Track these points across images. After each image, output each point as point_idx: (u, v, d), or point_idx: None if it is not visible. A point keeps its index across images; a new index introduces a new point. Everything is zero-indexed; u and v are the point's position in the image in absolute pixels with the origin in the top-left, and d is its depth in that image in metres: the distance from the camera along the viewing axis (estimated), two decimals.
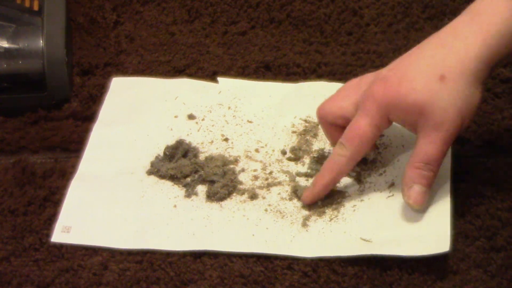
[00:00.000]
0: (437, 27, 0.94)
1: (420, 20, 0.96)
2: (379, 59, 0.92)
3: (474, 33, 0.70)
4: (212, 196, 0.78)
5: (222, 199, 0.78)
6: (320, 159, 0.81)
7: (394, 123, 0.74)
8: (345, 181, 0.78)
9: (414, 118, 0.71)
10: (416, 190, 0.72)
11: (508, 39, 0.70)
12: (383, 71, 0.74)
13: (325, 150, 0.82)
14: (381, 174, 0.78)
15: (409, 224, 0.73)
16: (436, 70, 0.70)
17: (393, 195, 0.76)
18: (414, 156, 0.72)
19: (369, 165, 0.80)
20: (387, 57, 0.92)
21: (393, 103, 0.72)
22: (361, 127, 0.73)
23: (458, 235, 0.73)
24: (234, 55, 0.95)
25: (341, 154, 0.74)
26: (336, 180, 0.76)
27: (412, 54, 0.73)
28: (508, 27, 0.70)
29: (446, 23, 0.96)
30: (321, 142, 0.83)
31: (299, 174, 0.80)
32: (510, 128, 0.82)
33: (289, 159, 0.82)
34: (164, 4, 1.02)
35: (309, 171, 0.80)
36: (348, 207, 0.76)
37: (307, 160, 0.82)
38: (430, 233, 0.71)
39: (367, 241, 0.72)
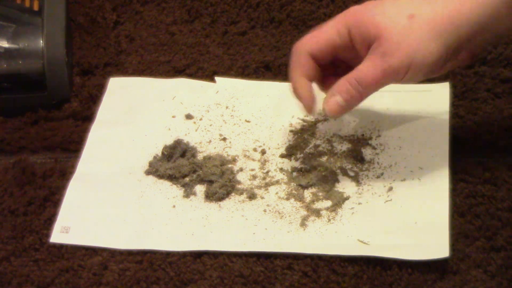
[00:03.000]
0: None
1: None
2: None
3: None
4: (211, 196, 0.78)
5: (220, 199, 0.78)
6: (314, 154, 0.81)
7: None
8: (344, 182, 0.78)
9: (369, 38, 0.71)
10: (337, 100, 0.73)
11: (485, 13, 0.70)
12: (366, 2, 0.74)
13: (319, 147, 0.82)
14: (378, 177, 0.78)
15: (407, 230, 0.73)
16: (410, 10, 0.71)
17: (391, 199, 0.76)
18: (351, 72, 0.72)
19: (367, 166, 0.80)
20: None
21: (360, 17, 0.72)
22: (324, 26, 0.75)
23: (458, 235, 0.73)
24: (234, 55, 0.95)
25: (297, 47, 0.76)
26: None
27: None
28: (480, 11, 0.70)
29: None
30: (319, 141, 0.83)
31: (294, 170, 0.80)
32: (510, 128, 0.82)
33: (282, 155, 0.82)
34: (164, 4, 1.02)
35: (303, 166, 0.80)
36: (346, 209, 0.76)
37: (300, 155, 0.82)
38: (429, 238, 0.71)
39: (365, 243, 0.72)
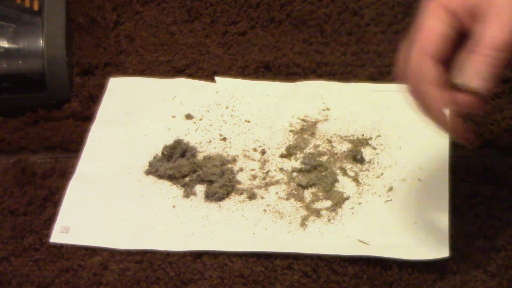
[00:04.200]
0: None
1: None
2: (379, 59, 0.92)
3: None
4: (211, 196, 0.78)
5: (220, 199, 0.78)
6: (314, 154, 0.81)
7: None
8: (344, 182, 0.78)
9: (480, 8, 0.62)
10: (483, 75, 0.62)
11: None
12: None
13: (319, 147, 0.82)
14: (378, 177, 0.78)
15: (407, 230, 0.73)
16: None
17: (391, 199, 0.76)
18: (480, 44, 0.62)
19: (367, 166, 0.80)
20: (387, 57, 0.92)
21: None
22: (428, 24, 0.64)
23: (458, 235, 0.73)
24: (234, 55, 0.95)
25: (415, 56, 0.65)
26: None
27: None
28: None
29: None
30: (319, 141, 0.83)
31: (294, 170, 0.80)
32: (510, 128, 0.82)
33: (282, 155, 0.82)
34: (164, 4, 1.02)
35: (303, 166, 0.80)
36: (346, 209, 0.76)
37: (300, 155, 0.82)
38: (429, 238, 0.71)
39: (365, 243, 0.72)
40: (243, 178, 0.80)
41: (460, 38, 0.64)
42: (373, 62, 0.92)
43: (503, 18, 0.62)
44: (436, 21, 0.64)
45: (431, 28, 0.64)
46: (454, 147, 0.80)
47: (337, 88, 0.89)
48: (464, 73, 0.62)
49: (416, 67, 0.64)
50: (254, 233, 0.74)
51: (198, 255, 0.73)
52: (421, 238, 0.72)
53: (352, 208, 0.76)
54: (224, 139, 0.84)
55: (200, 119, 0.87)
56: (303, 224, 0.75)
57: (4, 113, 0.89)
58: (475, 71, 0.62)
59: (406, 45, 0.66)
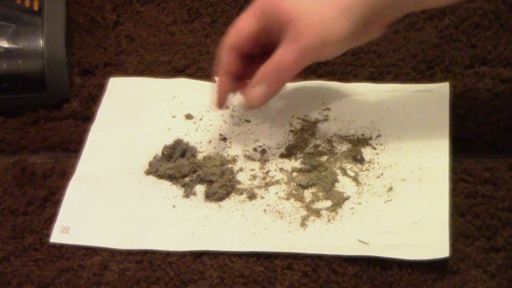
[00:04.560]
0: (437, 27, 0.95)
1: (420, 20, 0.96)
2: (379, 59, 0.92)
3: None
4: (211, 196, 0.78)
5: (220, 199, 0.78)
6: (314, 154, 0.81)
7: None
8: (344, 182, 0.78)
9: (280, 25, 0.73)
10: (259, 90, 0.75)
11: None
12: None
13: (319, 147, 0.82)
14: (378, 177, 0.78)
15: (407, 230, 0.73)
16: None
17: (391, 200, 0.76)
18: (269, 60, 0.74)
19: (367, 166, 0.80)
20: (387, 57, 0.92)
21: (271, 4, 0.74)
22: (243, 16, 0.76)
23: (458, 235, 0.73)
24: None
25: (222, 44, 0.77)
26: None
27: None
28: None
29: (446, 23, 0.96)
30: (319, 141, 0.83)
31: (294, 170, 0.80)
32: (510, 128, 0.82)
33: (282, 155, 0.82)
34: (164, 4, 1.02)
35: (303, 166, 0.80)
36: (346, 209, 0.76)
37: (300, 155, 0.82)
38: (429, 238, 0.71)
39: (365, 243, 0.72)
40: (243, 178, 0.80)
41: (266, 39, 0.76)
42: (373, 62, 0.92)
43: (295, 44, 0.73)
44: (248, 21, 0.75)
45: (241, 25, 0.76)
46: (454, 147, 0.80)
47: (337, 88, 0.89)
48: (249, 87, 0.76)
49: (221, 54, 0.77)
50: (254, 233, 0.74)
51: (198, 255, 0.73)
52: (421, 238, 0.72)
53: (352, 208, 0.76)
54: (224, 139, 0.84)
55: (200, 119, 0.87)
56: (303, 224, 0.75)
57: (4, 113, 0.89)
58: (258, 85, 0.75)
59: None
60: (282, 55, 0.74)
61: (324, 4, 0.73)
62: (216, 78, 0.80)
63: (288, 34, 0.73)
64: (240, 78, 0.79)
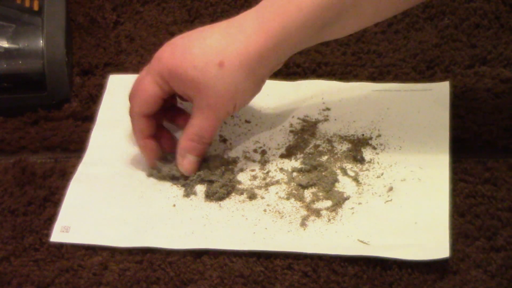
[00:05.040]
0: (437, 27, 0.95)
1: (420, 20, 0.96)
2: (379, 59, 0.92)
3: (257, 31, 0.75)
4: (211, 196, 0.78)
5: (221, 198, 0.78)
6: (314, 154, 0.81)
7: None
8: (344, 182, 0.78)
9: (191, 93, 0.76)
10: (190, 159, 0.79)
11: (289, 43, 0.76)
12: (176, 37, 0.78)
13: (319, 147, 0.82)
14: (379, 177, 0.78)
15: (407, 230, 0.73)
16: (218, 56, 0.75)
17: (391, 200, 0.76)
18: (189, 129, 0.78)
19: (367, 166, 0.80)
20: (387, 57, 0.92)
21: (174, 72, 0.76)
22: (145, 83, 0.77)
23: (458, 235, 0.73)
24: None
25: (130, 110, 0.79)
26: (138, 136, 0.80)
27: (203, 31, 0.77)
28: (293, 27, 0.74)
29: (446, 23, 0.96)
30: (319, 141, 0.83)
31: (295, 170, 0.80)
32: (510, 128, 0.82)
33: (282, 156, 0.82)
34: (164, 4, 1.02)
35: (303, 166, 0.80)
36: (346, 209, 0.76)
37: (300, 155, 0.82)
38: (429, 239, 0.71)
39: (365, 243, 0.72)
40: (243, 178, 0.80)
41: (172, 95, 0.79)
42: (373, 62, 0.92)
43: (210, 112, 0.77)
44: (150, 84, 0.77)
45: (144, 89, 0.78)
46: (454, 147, 0.80)
47: (337, 88, 0.89)
48: (178, 159, 0.79)
49: (132, 121, 0.79)
50: (254, 233, 0.74)
51: (198, 255, 0.73)
52: (421, 238, 0.72)
53: (352, 208, 0.76)
54: (225, 140, 0.84)
55: None
56: (303, 224, 0.75)
57: (4, 113, 0.89)
58: (186, 156, 0.78)
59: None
60: (202, 124, 0.77)
61: (230, 72, 0.75)
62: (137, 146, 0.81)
63: (201, 102, 0.76)
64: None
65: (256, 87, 0.78)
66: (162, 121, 0.82)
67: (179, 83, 0.76)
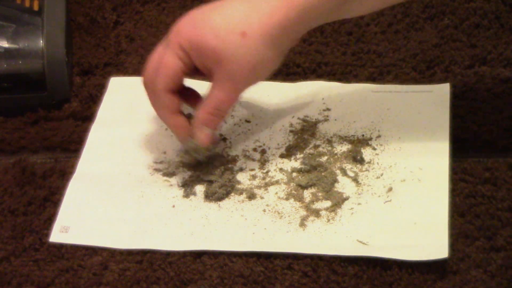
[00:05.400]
0: (437, 27, 0.95)
1: (420, 20, 0.96)
2: (379, 59, 0.92)
3: (281, 1, 0.73)
4: (210, 196, 0.78)
5: (220, 199, 0.78)
6: (314, 155, 0.81)
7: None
8: (343, 182, 0.78)
9: (211, 64, 0.74)
10: (207, 132, 0.77)
11: (311, 16, 0.74)
12: (192, 11, 0.76)
13: (319, 147, 0.82)
14: (378, 177, 0.78)
15: (407, 230, 0.73)
16: (239, 25, 0.73)
17: (391, 200, 0.76)
18: (208, 101, 0.76)
19: (367, 166, 0.80)
20: (387, 57, 0.92)
21: (195, 42, 0.74)
22: (166, 58, 0.76)
23: (458, 235, 0.73)
24: None
25: (153, 88, 0.77)
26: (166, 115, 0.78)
27: (223, 2, 0.75)
28: (312, 5, 0.73)
29: (446, 23, 0.96)
30: (319, 141, 0.83)
31: (294, 170, 0.80)
32: (510, 128, 0.82)
33: (282, 155, 0.82)
34: (164, 4, 1.02)
35: (302, 166, 0.80)
36: (346, 210, 0.76)
37: (300, 156, 0.82)
38: (428, 239, 0.71)
39: (364, 244, 0.72)
40: (242, 178, 0.80)
41: (193, 70, 0.77)
42: (373, 62, 0.92)
43: (230, 83, 0.75)
44: (171, 56, 0.75)
45: (166, 62, 0.76)
46: (454, 147, 0.80)
47: (337, 88, 0.89)
48: (195, 131, 0.77)
49: (156, 98, 0.78)
50: (253, 233, 0.74)
51: (198, 255, 0.73)
52: (421, 239, 0.72)
53: (352, 208, 0.76)
54: (224, 139, 0.84)
55: None
56: (302, 224, 0.75)
57: (4, 113, 0.89)
58: (203, 129, 0.77)
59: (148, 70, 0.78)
60: (221, 95, 0.76)
61: (252, 42, 0.73)
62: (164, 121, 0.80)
63: (222, 74, 0.75)
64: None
65: (277, 59, 0.76)
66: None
67: (200, 54, 0.74)
